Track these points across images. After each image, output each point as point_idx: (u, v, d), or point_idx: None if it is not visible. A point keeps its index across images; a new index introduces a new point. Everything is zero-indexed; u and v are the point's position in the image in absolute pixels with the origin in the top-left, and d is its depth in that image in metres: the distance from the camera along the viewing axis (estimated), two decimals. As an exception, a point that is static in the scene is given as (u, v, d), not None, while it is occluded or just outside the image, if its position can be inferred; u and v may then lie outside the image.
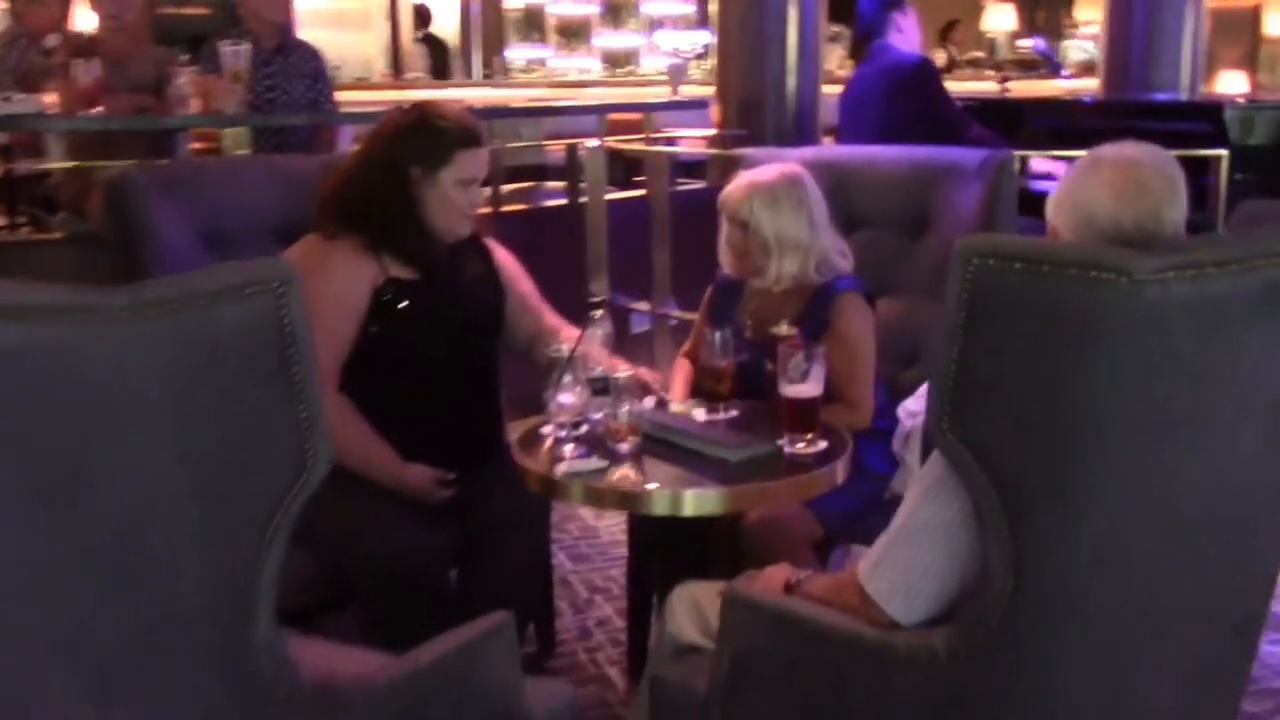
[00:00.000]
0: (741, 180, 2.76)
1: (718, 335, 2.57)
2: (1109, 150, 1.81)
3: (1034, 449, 1.52)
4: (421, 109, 2.68)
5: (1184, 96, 6.04)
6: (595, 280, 4.49)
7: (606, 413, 2.40)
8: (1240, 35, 13.30)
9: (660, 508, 2.19)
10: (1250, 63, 14.54)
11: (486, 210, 4.84)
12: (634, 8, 12.15)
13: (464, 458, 2.67)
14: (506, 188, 5.21)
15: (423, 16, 10.35)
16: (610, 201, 4.88)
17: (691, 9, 12.08)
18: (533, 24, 11.41)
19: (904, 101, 4.23)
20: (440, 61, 9.63)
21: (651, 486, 2.19)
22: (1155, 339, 1.45)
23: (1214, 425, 1.56)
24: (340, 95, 4.84)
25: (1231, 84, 9.80)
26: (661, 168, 4.05)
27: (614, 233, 4.71)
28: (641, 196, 4.93)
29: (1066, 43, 14.29)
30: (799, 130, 5.94)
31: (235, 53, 4.19)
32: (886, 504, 2.87)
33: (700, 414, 2.59)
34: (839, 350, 2.61)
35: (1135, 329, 1.44)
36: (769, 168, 2.80)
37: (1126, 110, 4.87)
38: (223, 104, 4.02)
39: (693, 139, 6.37)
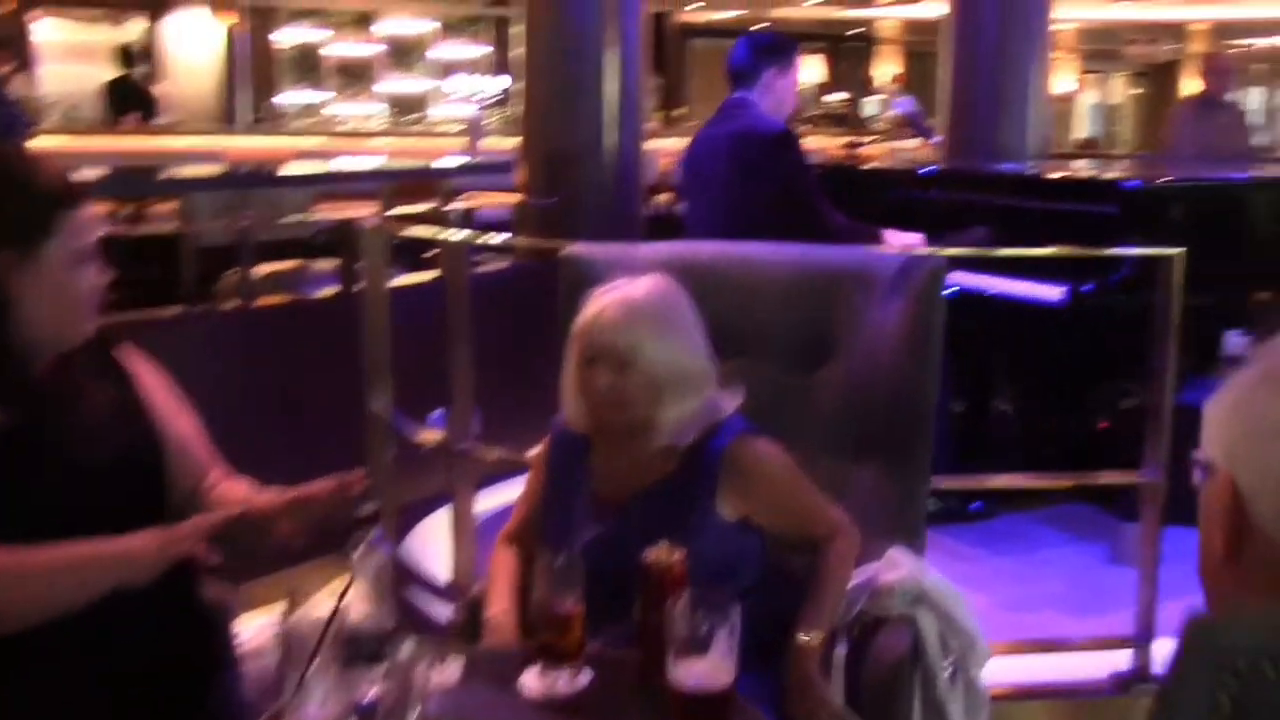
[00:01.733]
0: (612, 300, 1.94)
1: (561, 559, 1.65)
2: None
3: None
4: None
5: (1031, 167, 5.45)
6: (376, 394, 3.48)
7: (385, 704, 1.46)
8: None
9: None
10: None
11: (234, 304, 3.80)
12: (423, 50, 11.18)
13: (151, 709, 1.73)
14: (260, 271, 4.15)
15: (125, 57, 9.02)
16: (395, 289, 3.90)
17: (489, 51, 11.20)
18: (308, 65, 10.29)
19: (754, 177, 3.43)
20: (143, 110, 8.34)
21: None
22: None
23: None
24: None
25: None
26: (458, 256, 3.11)
27: (400, 329, 3.72)
28: (435, 281, 3.97)
29: (870, 99, 14.05)
30: (620, 194, 5.10)
31: None
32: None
33: (532, 682, 1.66)
34: (769, 495, 1.98)
35: None
36: (637, 282, 1.98)
37: (1004, 184, 4.19)
38: None
39: (495, 203, 5.44)
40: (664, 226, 7.71)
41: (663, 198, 7.91)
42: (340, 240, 3.99)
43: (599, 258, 2.43)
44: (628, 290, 1.94)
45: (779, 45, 3.67)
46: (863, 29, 16.20)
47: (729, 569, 1.90)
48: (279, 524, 1.78)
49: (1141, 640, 2.92)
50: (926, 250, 2.62)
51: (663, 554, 1.65)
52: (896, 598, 2.04)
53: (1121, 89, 19.39)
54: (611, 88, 5.02)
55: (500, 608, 2.00)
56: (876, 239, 3.49)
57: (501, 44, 10.59)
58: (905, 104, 4.03)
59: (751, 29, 3.69)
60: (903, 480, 2.29)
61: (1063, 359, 4.00)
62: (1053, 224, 3.77)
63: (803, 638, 1.83)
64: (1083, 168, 5.37)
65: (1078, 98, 18.01)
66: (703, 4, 14.45)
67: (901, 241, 3.53)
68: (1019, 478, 3.14)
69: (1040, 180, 4.34)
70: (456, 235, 3.11)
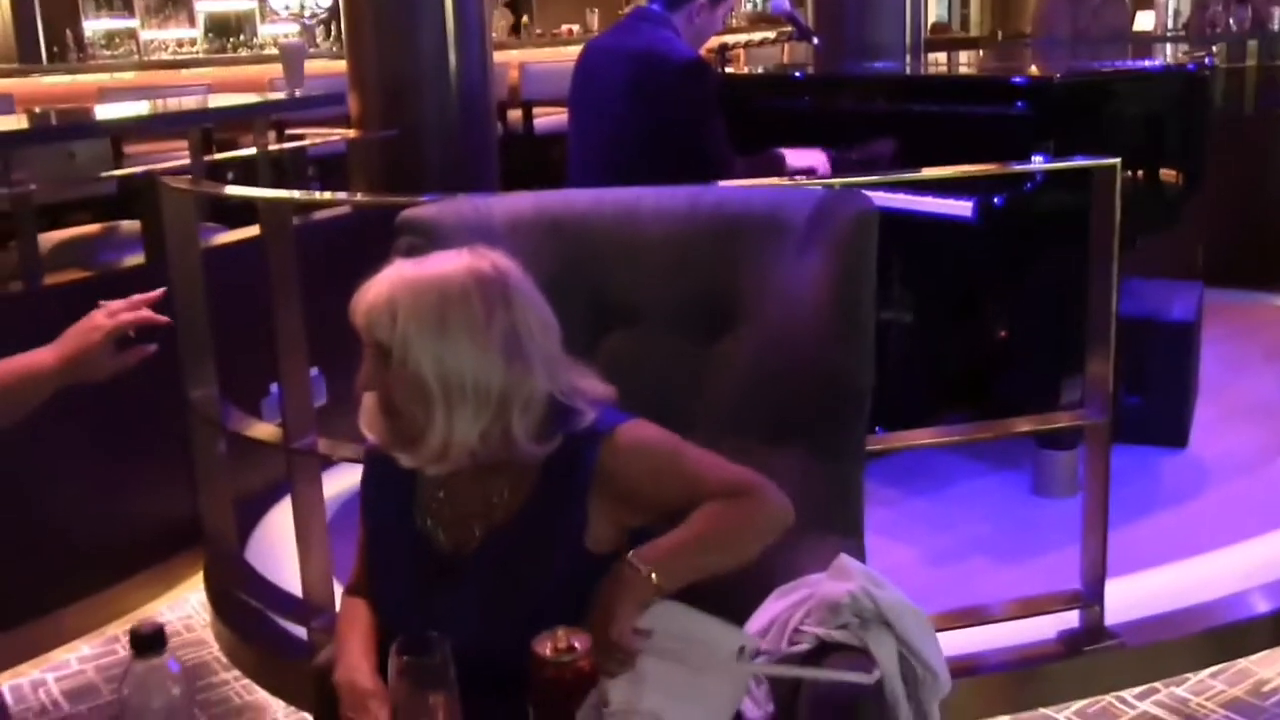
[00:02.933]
0: (385, 278, 1.49)
1: (425, 657, 1.22)
2: None
3: None
4: None
5: (911, 65, 5.08)
6: (194, 382, 2.97)
7: None
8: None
9: None
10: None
11: (17, 285, 3.20)
12: (241, -36, 10.31)
13: None
14: (49, 239, 3.54)
15: None
16: (212, 250, 3.36)
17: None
18: (113, -12, 9.35)
19: (653, 106, 2.98)
20: None
21: None
22: None
23: None
24: None
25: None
26: (281, 220, 2.59)
27: (229, 292, 3.20)
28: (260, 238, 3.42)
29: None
30: (469, 121, 4.57)
31: None
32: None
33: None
34: (646, 480, 1.54)
35: None
36: (444, 257, 1.51)
37: (890, 88, 3.79)
38: None
39: (329, 136, 4.86)
40: (518, 147, 7.22)
41: (514, 114, 7.36)
42: (143, 197, 3.41)
43: (446, 220, 1.96)
44: (411, 270, 1.49)
45: None
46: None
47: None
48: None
49: (1091, 597, 2.62)
50: (839, 182, 2.22)
51: (560, 642, 1.22)
52: (847, 618, 1.66)
53: (969, -30, 19.16)
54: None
55: (354, 667, 1.56)
56: (776, 163, 3.07)
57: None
58: (781, 2, 3.59)
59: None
60: (834, 466, 1.90)
61: (969, 273, 3.67)
62: (952, 129, 3.41)
63: (632, 558, 1.42)
64: (965, 61, 5.02)
65: (926, -18, 17.73)
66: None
67: (803, 162, 3.12)
68: (955, 430, 2.80)
69: (934, 80, 3.96)
70: (274, 194, 2.59)
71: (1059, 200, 3.09)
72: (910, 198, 3.21)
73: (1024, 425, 2.68)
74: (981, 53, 7.14)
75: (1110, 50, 5.24)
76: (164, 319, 1.66)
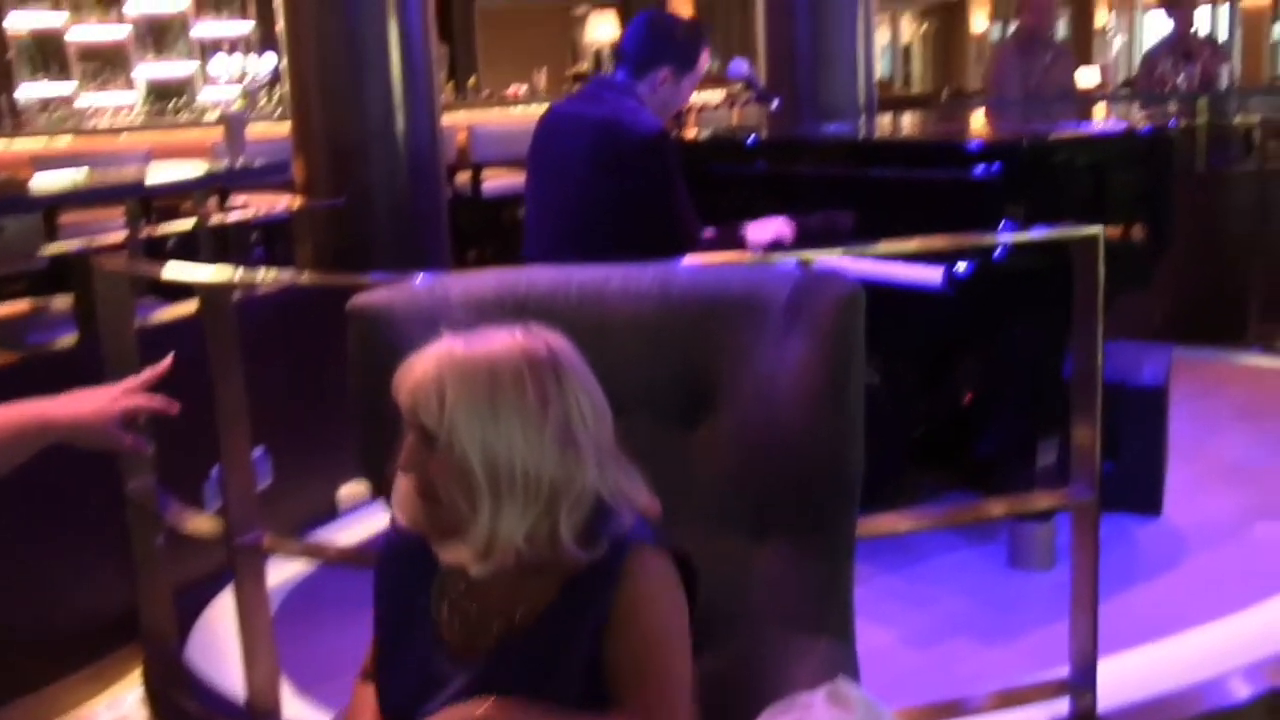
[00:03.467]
0: (431, 354, 1.40)
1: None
2: None
3: None
4: None
5: (861, 129, 5.03)
6: (132, 469, 2.80)
7: None
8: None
9: None
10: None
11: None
12: (181, 29, 10.16)
13: None
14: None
15: None
16: (148, 329, 3.20)
17: (251, 26, 10.26)
18: (49, 53, 9.15)
19: (614, 176, 2.90)
20: None
21: None
22: None
23: None
24: None
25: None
26: (221, 300, 2.44)
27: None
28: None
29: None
30: (418, 186, 4.45)
31: None
32: None
33: None
34: (623, 636, 1.41)
35: None
36: (495, 336, 1.42)
37: (845, 152, 3.71)
38: None
39: (273, 205, 4.71)
40: (466, 210, 7.09)
41: (462, 176, 7.25)
42: (75, 273, 3.25)
43: (399, 306, 1.83)
44: (461, 349, 1.38)
45: (686, 42, 3.12)
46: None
47: None
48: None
49: (1082, 684, 2.50)
50: (809, 254, 2.12)
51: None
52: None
53: (911, 28, 19.44)
54: (396, 61, 4.36)
55: None
56: (738, 244, 2.98)
57: (265, 18, 9.67)
58: (739, 66, 3.51)
59: (657, 11, 3.21)
60: (822, 563, 1.78)
61: (939, 337, 3.58)
62: (916, 194, 3.33)
63: (500, 704, 1.35)
64: (921, 123, 4.97)
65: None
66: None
67: (767, 235, 3.02)
68: (937, 512, 2.68)
69: (896, 145, 3.89)
70: (212, 276, 2.44)
71: (1030, 264, 3.01)
72: (878, 266, 3.12)
73: (1006, 507, 2.57)
74: (936, 114, 7.15)
75: (1064, 109, 5.22)
76: (174, 409, 1.63)
